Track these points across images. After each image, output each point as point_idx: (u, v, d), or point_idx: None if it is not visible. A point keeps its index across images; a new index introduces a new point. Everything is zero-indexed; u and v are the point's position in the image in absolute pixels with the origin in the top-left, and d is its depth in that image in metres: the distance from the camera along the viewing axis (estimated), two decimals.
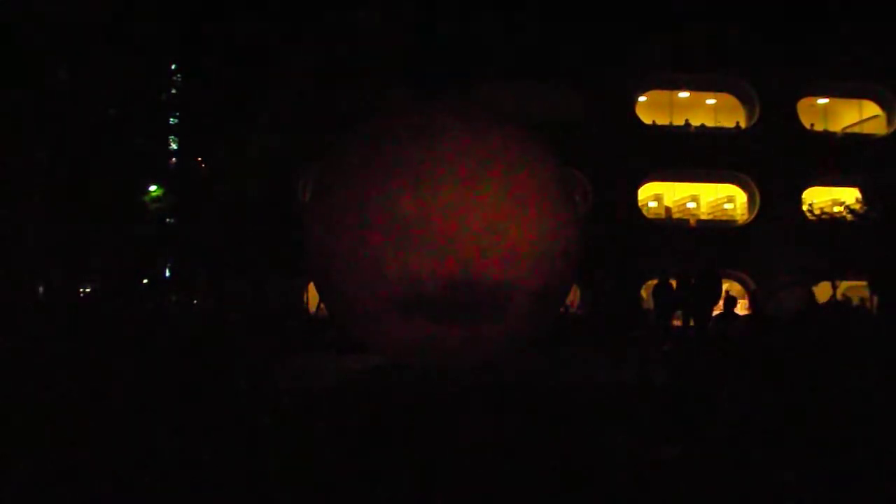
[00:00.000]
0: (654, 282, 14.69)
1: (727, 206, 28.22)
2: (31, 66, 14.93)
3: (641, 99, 26.39)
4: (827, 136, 27.04)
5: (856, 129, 27.78)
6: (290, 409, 6.96)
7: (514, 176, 8.99)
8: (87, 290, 20.60)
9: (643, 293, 23.71)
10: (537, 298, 9.21)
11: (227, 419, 6.35)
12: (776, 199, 25.09)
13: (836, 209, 24.41)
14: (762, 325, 10.72)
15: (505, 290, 8.75)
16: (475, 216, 8.54)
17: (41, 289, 17.87)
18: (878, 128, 27.12)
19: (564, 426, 6.34)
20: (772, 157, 25.08)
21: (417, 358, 9.10)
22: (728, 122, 26.81)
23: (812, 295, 12.92)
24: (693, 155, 25.32)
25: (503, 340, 9.40)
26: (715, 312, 12.45)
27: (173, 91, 20.04)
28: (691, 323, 13.14)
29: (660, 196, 28.63)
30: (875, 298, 19.79)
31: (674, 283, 13.72)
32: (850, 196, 24.13)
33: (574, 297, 23.41)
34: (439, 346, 8.81)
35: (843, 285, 23.45)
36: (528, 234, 8.87)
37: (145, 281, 21.04)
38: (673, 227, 26.23)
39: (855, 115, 28.31)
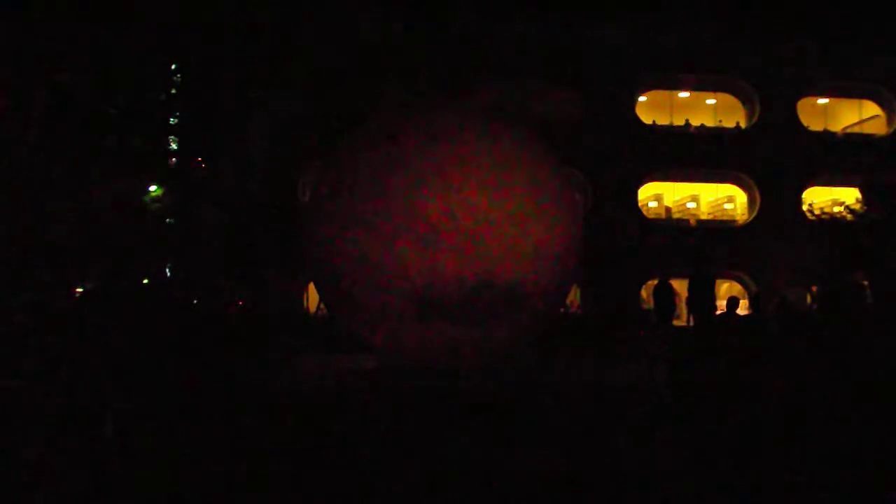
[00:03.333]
0: (655, 282, 14.68)
1: (727, 206, 28.20)
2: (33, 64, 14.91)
3: (641, 99, 26.37)
4: (827, 136, 27.02)
5: (856, 129, 27.77)
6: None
7: (531, 177, 9.02)
8: (83, 289, 20.53)
9: (643, 293, 23.69)
10: (550, 298, 9.26)
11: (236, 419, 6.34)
12: (776, 199, 25.08)
13: (836, 209, 24.39)
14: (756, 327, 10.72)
15: (524, 291, 8.77)
16: (499, 218, 8.53)
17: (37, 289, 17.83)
18: (878, 128, 27.11)
19: (571, 427, 6.34)
20: (772, 157, 25.07)
21: (430, 359, 9.04)
22: (728, 122, 26.79)
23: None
24: (693, 155, 25.30)
25: (515, 340, 9.41)
26: (717, 312, 12.42)
27: (173, 91, 19.98)
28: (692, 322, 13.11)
29: (660, 196, 28.61)
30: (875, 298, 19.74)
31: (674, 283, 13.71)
32: (850, 196, 24.11)
33: (574, 297, 23.39)
34: (455, 348, 8.78)
35: None
36: (546, 234, 8.91)
37: (145, 281, 20.99)
38: (673, 227, 26.21)
39: (855, 115, 28.30)
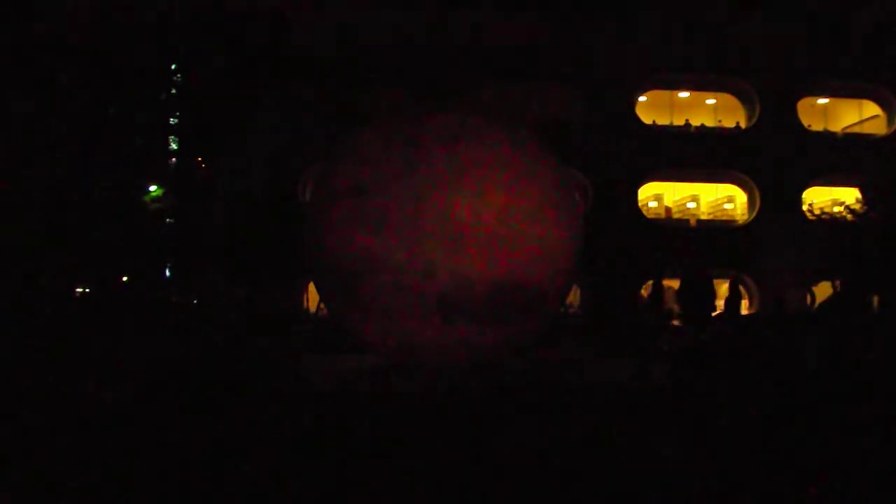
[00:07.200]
0: (652, 282, 14.71)
1: (727, 206, 28.21)
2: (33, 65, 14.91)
3: (641, 99, 26.38)
4: (827, 136, 27.04)
5: (856, 129, 27.78)
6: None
7: (545, 178, 9.08)
8: (85, 290, 20.55)
9: (643, 293, 23.70)
10: (561, 298, 9.37)
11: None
12: (776, 199, 25.09)
13: (836, 209, 24.40)
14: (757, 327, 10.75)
15: (542, 291, 8.83)
16: (521, 219, 8.55)
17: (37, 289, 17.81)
18: (878, 128, 27.12)
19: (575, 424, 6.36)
20: (772, 157, 25.09)
21: (444, 358, 9.03)
22: (728, 122, 26.81)
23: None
24: (693, 155, 25.32)
25: (526, 339, 9.47)
26: (715, 313, 12.46)
27: (173, 91, 19.99)
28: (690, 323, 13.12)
29: (660, 196, 28.62)
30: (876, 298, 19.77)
31: (673, 284, 13.74)
32: (850, 196, 24.12)
33: (574, 297, 23.41)
34: (470, 348, 8.80)
35: None
36: (560, 235, 8.98)
37: (145, 281, 20.98)
38: (673, 227, 26.23)
39: (855, 115, 28.31)
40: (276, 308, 18.91)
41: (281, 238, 17.94)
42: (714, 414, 6.81)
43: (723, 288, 25.67)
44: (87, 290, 19.82)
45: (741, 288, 25.17)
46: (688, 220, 27.68)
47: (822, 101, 27.98)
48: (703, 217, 28.36)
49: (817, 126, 27.22)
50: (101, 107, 17.07)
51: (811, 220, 23.44)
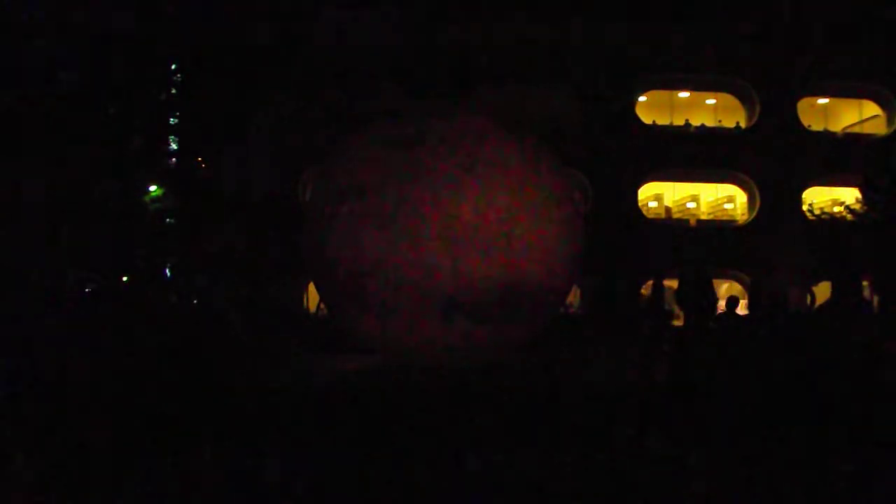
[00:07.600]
0: (652, 282, 14.69)
1: (727, 206, 28.21)
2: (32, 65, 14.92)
3: (641, 99, 26.38)
4: (827, 136, 27.03)
5: (856, 129, 27.77)
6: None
7: (547, 179, 9.11)
8: (87, 290, 20.55)
9: (643, 293, 23.68)
10: (562, 298, 9.40)
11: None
12: (776, 199, 25.09)
13: (836, 209, 24.40)
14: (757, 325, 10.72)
15: (544, 290, 8.86)
16: (524, 219, 8.59)
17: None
18: (878, 128, 27.12)
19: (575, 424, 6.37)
20: (772, 157, 25.09)
21: (445, 358, 9.04)
22: (728, 122, 26.80)
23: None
24: (693, 155, 25.32)
25: (527, 339, 9.51)
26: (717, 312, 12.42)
27: (173, 91, 20.01)
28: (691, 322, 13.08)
29: (660, 196, 28.62)
30: (875, 298, 19.77)
31: (672, 284, 13.71)
32: (850, 196, 24.13)
33: (574, 297, 23.39)
34: (472, 347, 8.82)
35: None
36: (561, 235, 9.01)
37: (145, 281, 20.98)
38: (673, 227, 26.24)
39: (855, 115, 28.30)
40: (276, 308, 18.90)
41: (281, 238, 17.94)
42: (714, 413, 6.82)
43: (723, 288, 25.81)
44: (88, 290, 19.83)
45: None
46: (688, 220, 27.68)
47: (822, 101, 27.97)
48: (703, 217, 28.36)
49: (817, 126, 27.22)
50: (101, 107, 17.09)
51: (811, 220, 23.43)
